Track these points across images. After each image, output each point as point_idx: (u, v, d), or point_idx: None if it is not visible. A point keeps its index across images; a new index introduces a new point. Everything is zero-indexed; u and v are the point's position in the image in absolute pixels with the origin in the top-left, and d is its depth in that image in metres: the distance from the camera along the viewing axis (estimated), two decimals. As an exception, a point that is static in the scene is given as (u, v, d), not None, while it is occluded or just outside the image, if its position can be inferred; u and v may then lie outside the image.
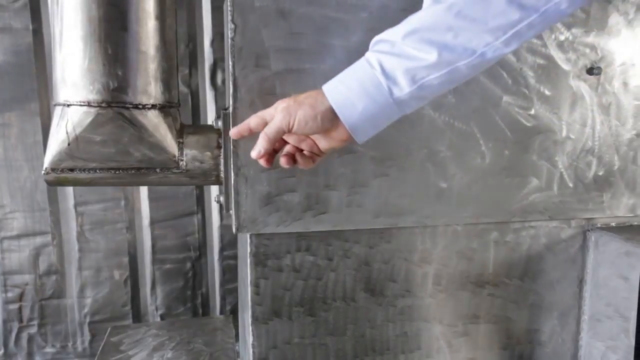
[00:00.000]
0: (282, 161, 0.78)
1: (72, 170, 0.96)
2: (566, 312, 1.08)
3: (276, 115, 0.74)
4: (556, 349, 1.08)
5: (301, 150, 0.79)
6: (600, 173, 1.03)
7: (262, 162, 0.79)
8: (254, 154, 0.77)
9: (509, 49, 0.66)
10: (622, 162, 1.03)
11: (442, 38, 0.65)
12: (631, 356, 0.94)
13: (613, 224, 1.07)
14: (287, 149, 0.79)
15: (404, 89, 0.68)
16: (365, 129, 0.72)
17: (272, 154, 0.79)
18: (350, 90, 0.70)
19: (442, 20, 0.66)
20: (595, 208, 1.04)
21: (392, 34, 0.69)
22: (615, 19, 0.98)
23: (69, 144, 0.94)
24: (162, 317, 1.71)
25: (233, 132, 0.81)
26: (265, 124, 0.77)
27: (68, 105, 0.93)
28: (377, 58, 0.69)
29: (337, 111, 0.71)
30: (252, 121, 0.78)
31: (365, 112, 0.70)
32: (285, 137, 0.78)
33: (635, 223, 1.07)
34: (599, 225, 1.06)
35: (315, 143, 0.77)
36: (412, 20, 0.68)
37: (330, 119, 0.72)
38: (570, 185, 1.02)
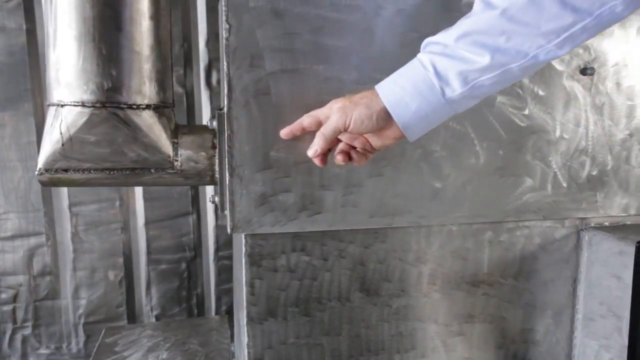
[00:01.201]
0: (338, 158, 0.81)
1: (66, 170, 0.95)
2: (560, 311, 1.08)
3: (332, 116, 0.78)
4: (550, 348, 1.09)
5: (353, 148, 0.82)
6: (594, 173, 1.03)
7: (317, 161, 0.82)
8: (310, 152, 0.80)
9: (563, 51, 0.68)
10: (615, 162, 1.04)
11: (495, 41, 0.67)
12: (624, 355, 0.95)
13: (606, 224, 1.07)
14: (341, 146, 0.82)
15: (456, 89, 0.70)
16: (417, 127, 0.75)
17: (326, 153, 0.82)
18: (403, 91, 0.73)
19: (494, 24, 0.67)
20: (588, 208, 1.04)
21: (445, 37, 0.71)
22: (608, 20, 0.98)
23: (62, 145, 0.93)
24: (157, 317, 1.71)
25: (285, 132, 0.85)
26: (319, 123, 0.81)
27: (62, 106, 0.93)
28: (430, 59, 0.71)
29: (390, 111, 0.74)
30: (305, 121, 0.82)
31: (418, 111, 0.73)
32: (339, 136, 0.81)
33: (629, 222, 1.08)
34: (592, 225, 1.06)
35: (367, 140, 0.80)
36: (465, 24, 0.70)
37: (385, 118, 0.75)
38: (564, 185, 1.03)
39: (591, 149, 1.02)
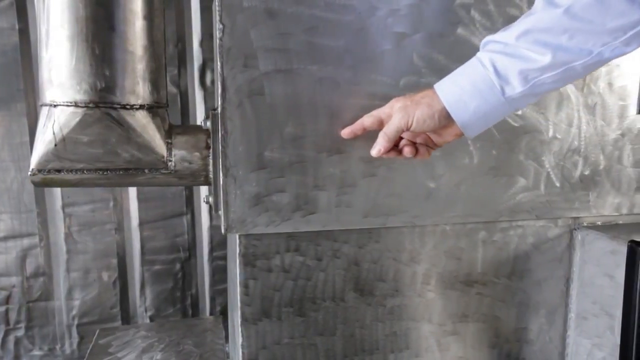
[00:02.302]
0: (407, 150, 0.82)
1: (59, 171, 0.95)
2: (553, 310, 1.09)
3: (394, 115, 0.79)
4: (544, 347, 1.09)
5: (414, 143, 0.83)
6: (587, 172, 1.04)
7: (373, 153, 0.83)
8: (374, 152, 0.82)
9: (630, 48, 0.67)
10: (607, 162, 1.05)
11: (557, 40, 0.67)
12: (617, 353, 0.95)
13: (599, 223, 1.08)
14: (403, 143, 0.83)
15: (516, 88, 0.71)
16: (476, 125, 0.76)
17: (389, 152, 0.83)
18: (462, 90, 0.74)
19: (557, 22, 0.67)
20: (581, 207, 1.05)
21: (505, 35, 0.71)
22: (600, 21, 0.99)
23: (55, 145, 0.93)
24: (151, 318, 1.71)
25: (346, 132, 0.87)
26: (380, 122, 0.83)
27: (55, 106, 0.93)
28: (489, 58, 0.72)
29: (449, 110, 0.75)
30: (367, 120, 0.84)
31: (477, 110, 0.74)
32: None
33: (621, 222, 1.09)
34: (585, 224, 1.07)
35: (429, 137, 0.83)
36: (526, 22, 0.70)
37: (446, 117, 0.76)
38: (557, 184, 1.03)
39: (584, 149, 1.03)
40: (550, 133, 1.01)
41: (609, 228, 1.05)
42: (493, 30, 0.95)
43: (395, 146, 0.84)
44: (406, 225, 0.99)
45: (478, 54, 0.74)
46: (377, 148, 0.82)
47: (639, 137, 1.05)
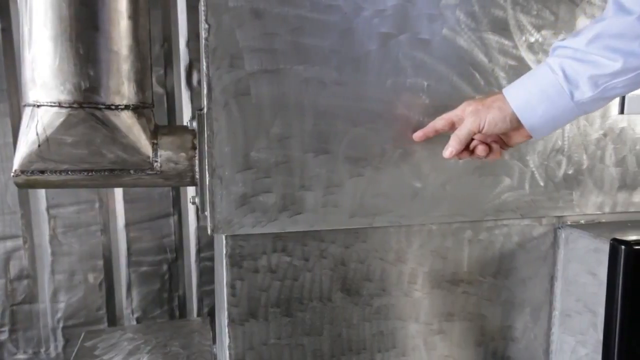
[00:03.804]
0: (480, 149, 0.85)
1: (42, 172, 0.94)
2: (538, 308, 1.10)
3: (466, 119, 0.82)
4: (529, 345, 1.10)
5: (486, 143, 0.86)
6: (570, 172, 1.05)
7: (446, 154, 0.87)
8: (446, 153, 0.85)
9: None
10: (590, 161, 1.06)
11: (629, 46, 0.68)
12: (599, 349, 0.97)
13: (582, 222, 1.09)
14: (475, 143, 0.86)
15: (585, 93, 0.72)
16: (544, 128, 0.79)
17: (460, 153, 0.86)
18: (530, 94, 0.77)
19: (629, 29, 0.68)
20: (565, 206, 1.06)
21: (575, 41, 0.73)
22: (582, 22, 1.00)
23: (39, 146, 0.92)
24: (138, 320, 1.69)
25: (418, 135, 0.92)
26: (452, 125, 0.87)
27: (38, 106, 0.92)
28: (559, 64, 0.73)
29: (517, 114, 0.78)
30: (439, 123, 0.88)
31: (545, 114, 0.76)
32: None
33: (604, 220, 1.10)
34: (568, 223, 1.08)
35: (500, 138, 0.85)
36: (596, 28, 0.71)
37: (518, 120, 0.79)
38: (541, 184, 1.04)
39: (567, 149, 1.04)
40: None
41: (592, 226, 1.07)
42: (477, 30, 0.96)
43: (466, 147, 0.86)
44: (392, 225, 0.99)
45: (547, 59, 0.77)
46: (450, 150, 0.85)
47: (620, 137, 1.07)
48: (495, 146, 0.86)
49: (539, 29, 0.99)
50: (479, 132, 0.82)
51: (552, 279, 1.10)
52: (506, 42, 0.98)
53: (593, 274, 1.00)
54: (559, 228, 1.08)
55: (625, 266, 0.92)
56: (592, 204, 1.08)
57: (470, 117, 0.82)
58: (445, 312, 1.05)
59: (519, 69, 0.99)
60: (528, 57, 0.99)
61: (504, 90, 0.80)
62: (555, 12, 0.99)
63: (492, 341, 1.09)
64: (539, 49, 0.99)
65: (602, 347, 0.96)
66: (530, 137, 0.81)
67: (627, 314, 0.92)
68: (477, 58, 0.97)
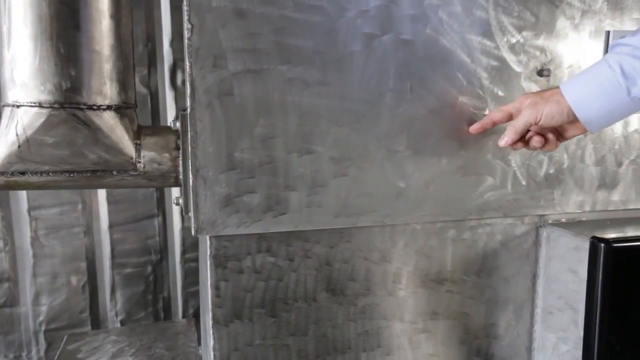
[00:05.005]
0: (536, 140, 0.88)
1: (23, 173, 0.93)
2: (520, 306, 1.11)
3: (524, 111, 0.85)
4: (511, 342, 1.12)
5: (543, 135, 0.88)
6: (551, 171, 1.07)
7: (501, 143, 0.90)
8: (502, 142, 0.89)
9: None
10: (571, 161, 1.08)
11: None
12: (580, 346, 0.98)
13: (563, 220, 1.11)
14: (530, 135, 0.89)
15: None
16: (600, 122, 0.82)
17: (516, 143, 0.89)
18: (586, 89, 0.80)
19: None
20: (546, 205, 1.08)
21: (634, 39, 0.76)
22: (562, 23, 1.02)
23: (19, 147, 0.91)
24: (122, 322, 1.67)
25: (475, 127, 0.94)
26: (509, 117, 0.89)
27: (18, 106, 0.91)
28: (617, 60, 0.76)
29: (573, 108, 0.81)
30: (496, 115, 0.91)
31: (601, 109, 0.80)
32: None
33: (584, 219, 1.12)
34: (550, 222, 1.10)
35: (556, 130, 0.88)
36: None
37: (574, 114, 0.82)
38: (523, 183, 1.06)
39: (548, 148, 1.05)
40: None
41: (572, 225, 1.08)
42: (460, 30, 0.97)
43: (522, 138, 0.89)
44: (377, 225, 1.00)
45: (606, 55, 0.80)
46: (505, 139, 0.88)
47: (600, 137, 1.08)
48: (551, 137, 0.88)
49: (520, 29, 1.00)
50: (536, 124, 0.85)
51: (534, 277, 1.11)
52: (488, 42, 0.99)
53: (574, 271, 1.01)
54: (541, 227, 1.10)
55: (605, 264, 0.94)
56: (572, 202, 1.09)
57: (527, 110, 0.85)
58: (429, 310, 1.06)
59: (501, 69, 1.00)
60: (510, 58, 1.00)
61: (560, 85, 0.84)
62: (535, 13, 1.00)
63: (476, 339, 1.10)
64: (520, 50, 1.01)
65: (583, 343, 0.97)
66: (586, 130, 0.84)
67: (607, 310, 0.94)
68: (459, 58, 0.98)
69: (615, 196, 1.11)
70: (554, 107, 0.83)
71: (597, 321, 0.94)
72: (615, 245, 0.94)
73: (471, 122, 1.00)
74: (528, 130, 0.89)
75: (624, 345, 0.97)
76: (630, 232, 1.04)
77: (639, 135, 1.10)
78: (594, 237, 0.96)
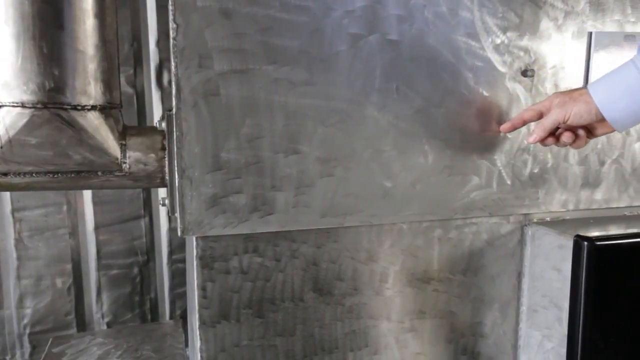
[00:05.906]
0: (566, 136, 0.90)
1: (5, 174, 0.91)
2: (506, 304, 1.12)
3: (553, 110, 0.88)
4: (497, 340, 1.13)
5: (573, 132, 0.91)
6: (536, 170, 1.08)
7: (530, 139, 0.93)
8: (530, 139, 0.92)
9: None
10: (555, 160, 1.09)
11: None
12: (564, 343, 0.99)
13: (548, 219, 1.12)
14: (561, 131, 0.91)
15: None
16: (627, 121, 0.85)
17: (545, 139, 0.92)
18: (613, 89, 0.83)
19: None
20: (531, 204, 1.09)
21: None
22: (546, 24, 1.03)
23: (1, 147, 0.90)
24: (108, 325, 1.66)
25: (506, 126, 0.98)
26: (540, 115, 0.92)
27: (0, 106, 0.89)
28: None
29: (599, 108, 0.84)
30: (527, 114, 0.94)
31: (627, 108, 0.82)
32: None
33: (568, 217, 1.13)
34: (535, 220, 1.11)
35: (585, 128, 0.90)
36: None
37: (602, 114, 0.84)
38: (508, 182, 1.07)
39: (533, 148, 1.07)
40: (502, 133, 1.04)
41: (556, 223, 1.09)
42: (446, 31, 0.97)
43: (552, 134, 0.91)
44: (364, 225, 1.00)
45: (633, 56, 0.82)
46: (534, 136, 0.91)
47: (583, 136, 1.10)
48: (581, 132, 0.90)
49: (504, 30, 1.01)
50: (564, 123, 0.88)
51: (519, 275, 1.12)
52: (473, 43, 1.00)
53: (558, 269, 1.02)
54: (526, 225, 1.11)
55: (588, 262, 0.95)
56: (556, 201, 1.10)
57: (556, 109, 0.87)
58: (416, 310, 1.07)
59: (486, 69, 1.01)
60: (494, 58, 1.01)
61: (588, 85, 0.86)
62: (519, 14, 1.01)
63: (462, 337, 1.11)
64: (505, 50, 1.02)
65: (567, 341, 0.99)
66: (612, 130, 0.87)
67: (590, 308, 0.95)
68: (445, 58, 0.98)
69: (598, 195, 1.13)
70: (582, 106, 0.85)
71: (580, 319, 0.96)
72: (599, 243, 0.95)
73: (457, 121, 1.01)
74: (557, 128, 0.91)
75: (607, 342, 0.98)
76: (613, 231, 1.06)
77: (621, 135, 1.11)
78: (577, 236, 0.97)
